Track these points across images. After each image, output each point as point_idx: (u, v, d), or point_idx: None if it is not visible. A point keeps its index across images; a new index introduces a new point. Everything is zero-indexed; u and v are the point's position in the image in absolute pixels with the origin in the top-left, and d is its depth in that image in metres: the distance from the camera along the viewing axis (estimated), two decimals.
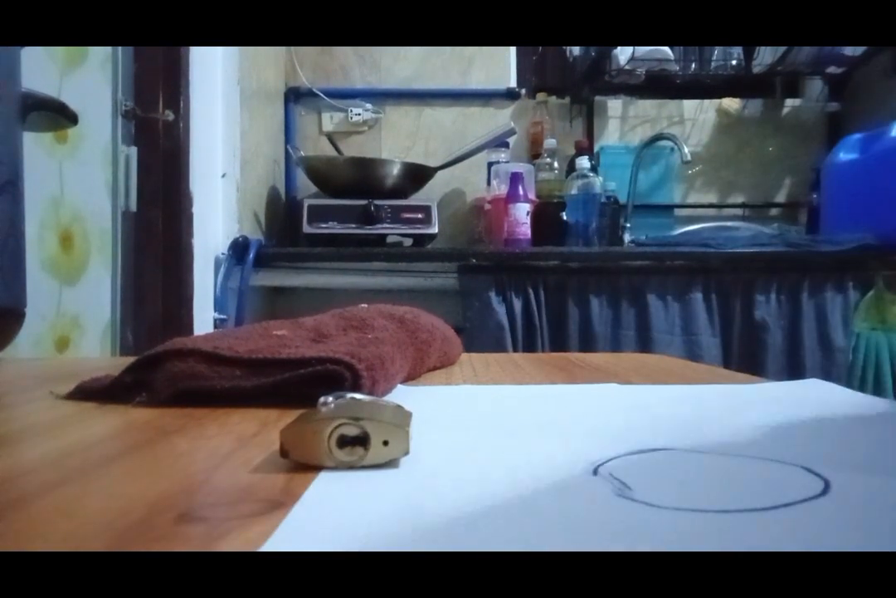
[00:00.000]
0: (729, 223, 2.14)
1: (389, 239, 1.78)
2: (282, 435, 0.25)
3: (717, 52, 2.05)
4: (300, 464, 0.24)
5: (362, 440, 0.24)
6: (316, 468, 0.24)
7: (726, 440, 0.30)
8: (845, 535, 0.18)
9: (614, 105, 2.24)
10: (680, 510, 0.20)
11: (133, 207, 1.26)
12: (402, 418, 0.26)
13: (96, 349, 1.14)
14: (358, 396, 0.28)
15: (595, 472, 0.24)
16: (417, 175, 1.89)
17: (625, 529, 0.18)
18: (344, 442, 0.24)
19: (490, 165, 2.02)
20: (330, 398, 0.27)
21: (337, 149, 1.97)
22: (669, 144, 2.07)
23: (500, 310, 1.59)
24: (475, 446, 0.29)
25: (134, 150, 1.26)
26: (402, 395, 0.42)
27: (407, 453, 0.25)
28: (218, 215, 1.51)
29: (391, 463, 0.25)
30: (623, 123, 2.24)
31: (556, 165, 2.05)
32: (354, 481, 0.23)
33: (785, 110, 2.25)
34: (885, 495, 0.22)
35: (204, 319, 1.41)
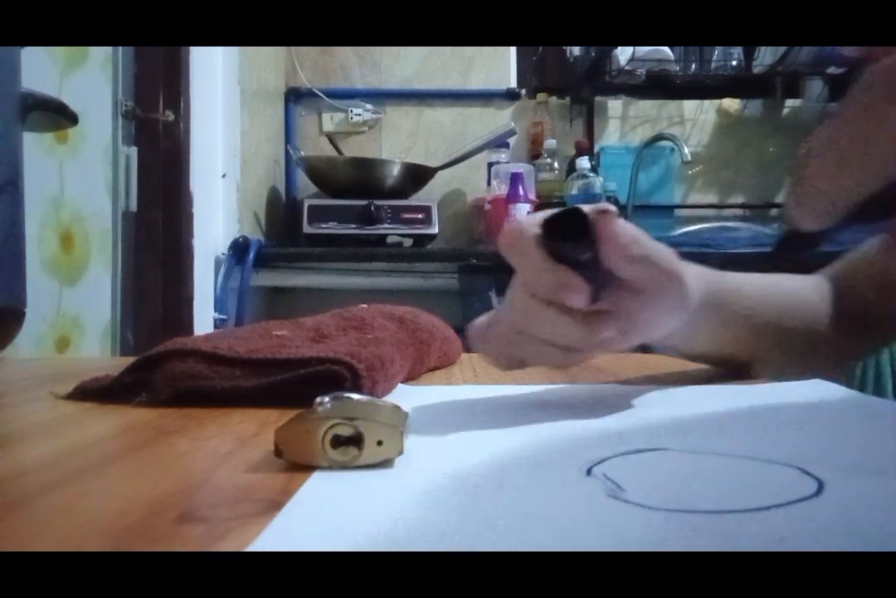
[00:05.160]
0: (729, 224, 2.14)
1: (390, 239, 1.78)
2: (276, 435, 0.25)
3: (717, 52, 2.05)
4: (298, 464, 0.25)
5: (356, 440, 0.24)
6: (313, 468, 0.24)
7: (722, 441, 0.30)
8: (837, 535, 0.18)
9: (614, 105, 2.24)
10: (670, 511, 0.20)
11: (133, 207, 1.26)
12: (397, 418, 0.26)
13: (96, 349, 1.14)
14: (354, 396, 0.28)
15: (589, 472, 0.24)
16: (417, 175, 1.89)
17: (614, 530, 0.18)
18: (338, 442, 0.24)
19: (490, 165, 2.02)
20: (326, 398, 0.27)
21: (337, 149, 1.97)
22: (669, 144, 2.07)
23: None
24: (470, 445, 0.29)
25: (134, 150, 1.26)
26: (401, 395, 0.42)
27: (401, 453, 0.25)
28: (218, 215, 1.51)
29: (385, 463, 0.25)
30: (623, 123, 2.24)
31: (556, 165, 2.05)
32: (347, 480, 0.23)
33: (785, 111, 2.25)
34: (877, 495, 0.22)
35: (204, 319, 1.41)
